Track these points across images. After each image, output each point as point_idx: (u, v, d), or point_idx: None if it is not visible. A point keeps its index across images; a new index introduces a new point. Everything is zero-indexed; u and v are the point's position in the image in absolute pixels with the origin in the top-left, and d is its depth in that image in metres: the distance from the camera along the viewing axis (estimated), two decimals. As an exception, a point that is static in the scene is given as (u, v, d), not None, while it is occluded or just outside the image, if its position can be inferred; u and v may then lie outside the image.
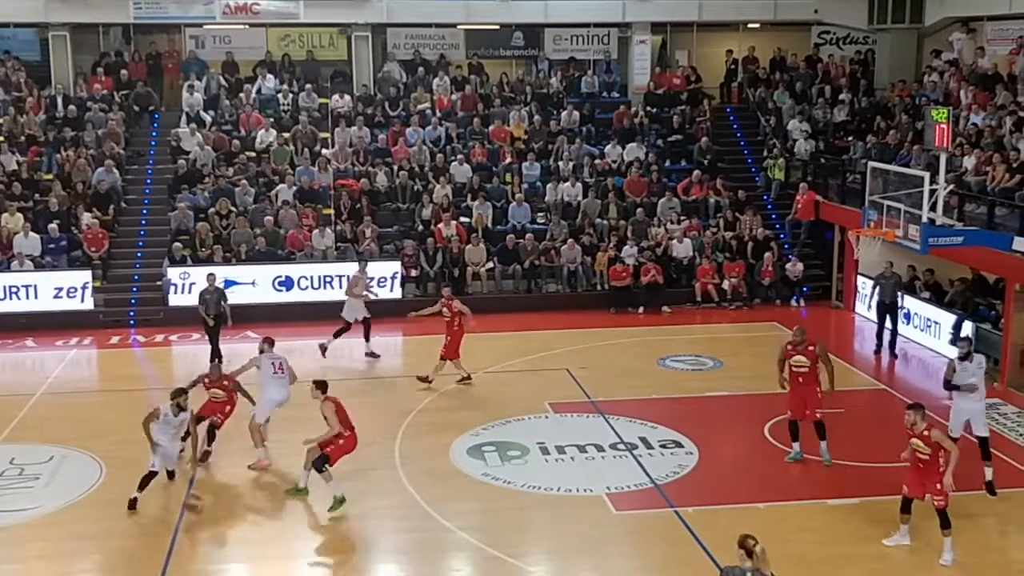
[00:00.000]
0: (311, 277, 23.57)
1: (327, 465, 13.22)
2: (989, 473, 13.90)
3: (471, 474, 14.59)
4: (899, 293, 20.47)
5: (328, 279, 23.41)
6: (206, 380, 15.02)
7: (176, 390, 13.78)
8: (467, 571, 12.29)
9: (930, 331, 20.79)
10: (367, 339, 20.42)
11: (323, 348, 20.12)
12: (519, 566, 12.17)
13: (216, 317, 19.78)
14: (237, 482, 14.44)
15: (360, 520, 13.33)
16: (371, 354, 20.31)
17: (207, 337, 20.06)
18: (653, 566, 12.27)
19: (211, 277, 20.24)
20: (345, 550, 12.64)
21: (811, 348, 14.62)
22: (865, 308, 21.83)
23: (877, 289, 20.63)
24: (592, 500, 13.80)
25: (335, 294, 22.61)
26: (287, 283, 23.48)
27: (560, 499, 13.86)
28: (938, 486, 11.93)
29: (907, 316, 21.31)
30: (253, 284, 23.29)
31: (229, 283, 22.23)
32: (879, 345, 20.78)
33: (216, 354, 19.71)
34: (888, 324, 20.59)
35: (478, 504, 13.64)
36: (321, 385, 13.59)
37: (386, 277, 23.54)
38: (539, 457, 15.23)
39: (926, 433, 12.00)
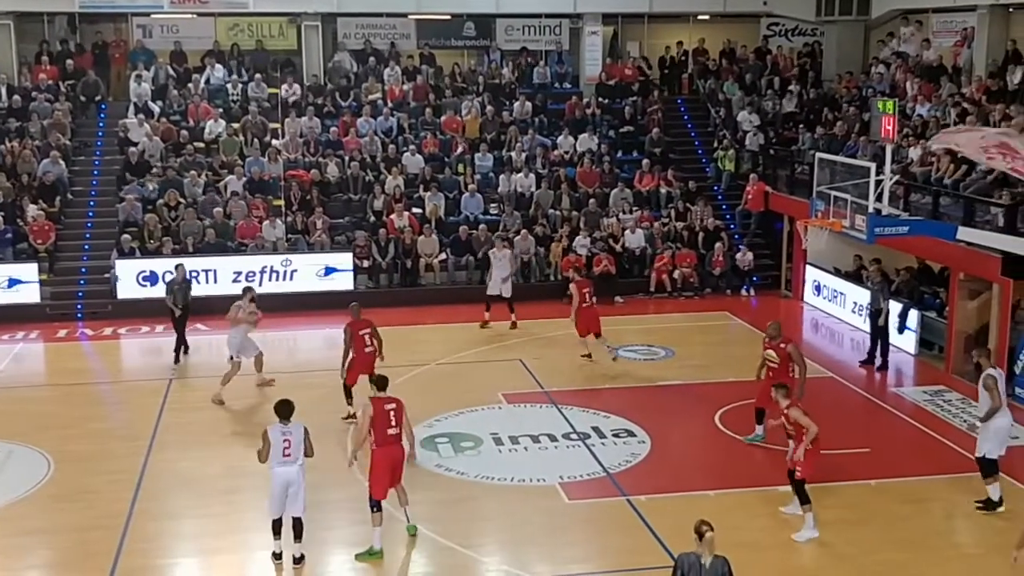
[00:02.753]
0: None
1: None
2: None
3: (424, 465, 14.56)
4: (884, 300, 19.10)
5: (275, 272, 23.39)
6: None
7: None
8: (420, 562, 12.28)
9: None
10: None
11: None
12: (472, 556, 12.21)
13: (184, 308, 19.64)
14: (188, 475, 14.33)
15: (313, 512, 13.27)
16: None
17: (174, 327, 19.80)
18: (605, 554, 12.36)
19: (180, 268, 20.08)
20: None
21: (783, 346, 14.80)
22: (861, 321, 20.90)
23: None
24: (545, 490, 13.87)
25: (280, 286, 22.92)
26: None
27: (513, 489, 13.92)
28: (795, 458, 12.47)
29: (857, 306, 21.70)
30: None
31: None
32: (882, 361, 19.23)
33: (182, 344, 19.74)
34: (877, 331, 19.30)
35: (431, 495, 13.63)
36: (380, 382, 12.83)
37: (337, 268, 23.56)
38: (492, 448, 15.28)
39: (786, 411, 12.65)
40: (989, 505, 13.25)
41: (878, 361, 19.27)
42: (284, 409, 11.83)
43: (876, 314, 19.20)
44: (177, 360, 19.55)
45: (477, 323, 21.75)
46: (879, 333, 19.25)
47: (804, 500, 12.47)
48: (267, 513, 11.87)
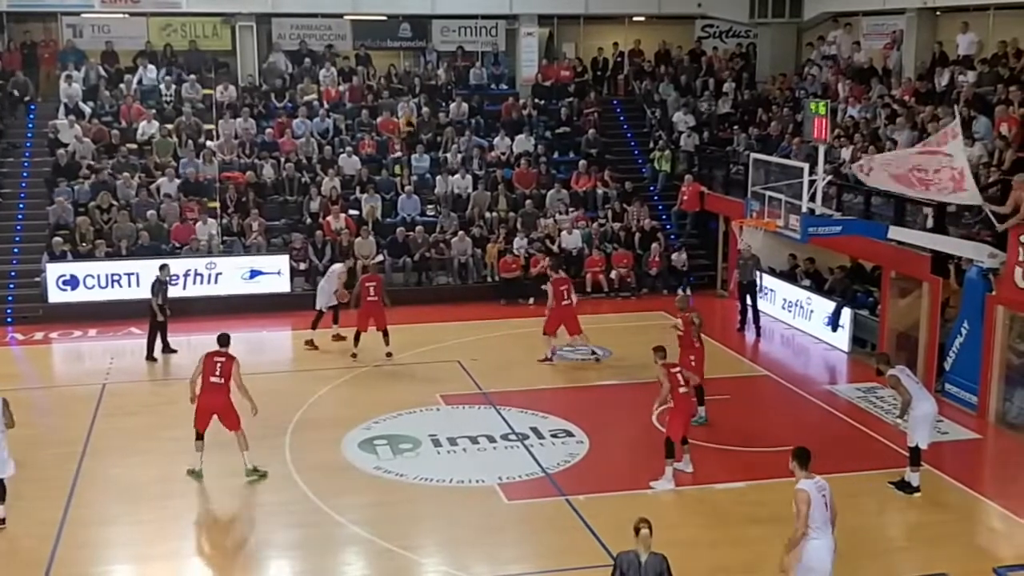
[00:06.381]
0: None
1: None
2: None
3: (363, 468, 14.53)
4: (757, 273, 21.78)
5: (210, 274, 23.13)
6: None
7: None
8: (359, 565, 12.23)
9: (810, 317, 21.45)
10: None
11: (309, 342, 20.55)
12: (411, 558, 12.18)
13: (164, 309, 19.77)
14: (121, 482, 14.12)
15: (250, 516, 13.18)
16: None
17: (151, 330, 19.71)
18: (545, 554, 12.40)
19: (165, 268, 20.17)
20: (234, 547, 12.48)
21: (687, 315, 16.41)
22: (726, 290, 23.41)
23: (737, 271, 21.90)
24: (484, 491, 13.88)
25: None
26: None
27: (452, 491, 13.91)
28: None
29: (790, 304, 22.08)
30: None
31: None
32: (742, 323, 21.84)
33: (164, 344, 19.82)
34: (749, 302, 21.66)
35: (370, 498, 13.60)
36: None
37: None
38: (431, 449, 15.25)
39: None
40: (908, 489, 13.65)
41: (752, 329, 21.61)
42: None
43: (745, 286, 21.61)
44: (154, 357, 19.69)
45: (415, 324, 21.71)
46: (753, 302, 21.58)
47: (668, 455, 13.83)
48: None
